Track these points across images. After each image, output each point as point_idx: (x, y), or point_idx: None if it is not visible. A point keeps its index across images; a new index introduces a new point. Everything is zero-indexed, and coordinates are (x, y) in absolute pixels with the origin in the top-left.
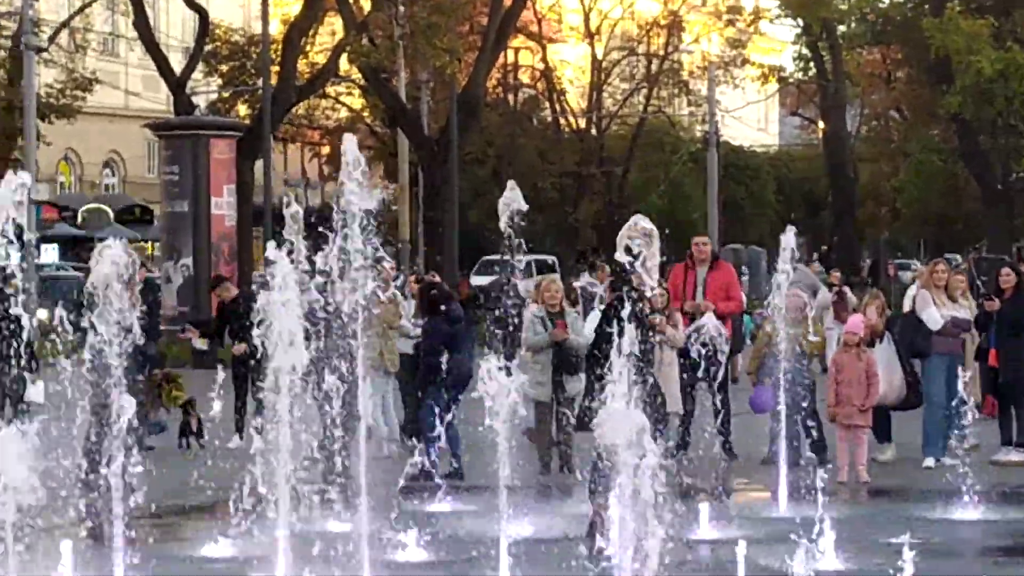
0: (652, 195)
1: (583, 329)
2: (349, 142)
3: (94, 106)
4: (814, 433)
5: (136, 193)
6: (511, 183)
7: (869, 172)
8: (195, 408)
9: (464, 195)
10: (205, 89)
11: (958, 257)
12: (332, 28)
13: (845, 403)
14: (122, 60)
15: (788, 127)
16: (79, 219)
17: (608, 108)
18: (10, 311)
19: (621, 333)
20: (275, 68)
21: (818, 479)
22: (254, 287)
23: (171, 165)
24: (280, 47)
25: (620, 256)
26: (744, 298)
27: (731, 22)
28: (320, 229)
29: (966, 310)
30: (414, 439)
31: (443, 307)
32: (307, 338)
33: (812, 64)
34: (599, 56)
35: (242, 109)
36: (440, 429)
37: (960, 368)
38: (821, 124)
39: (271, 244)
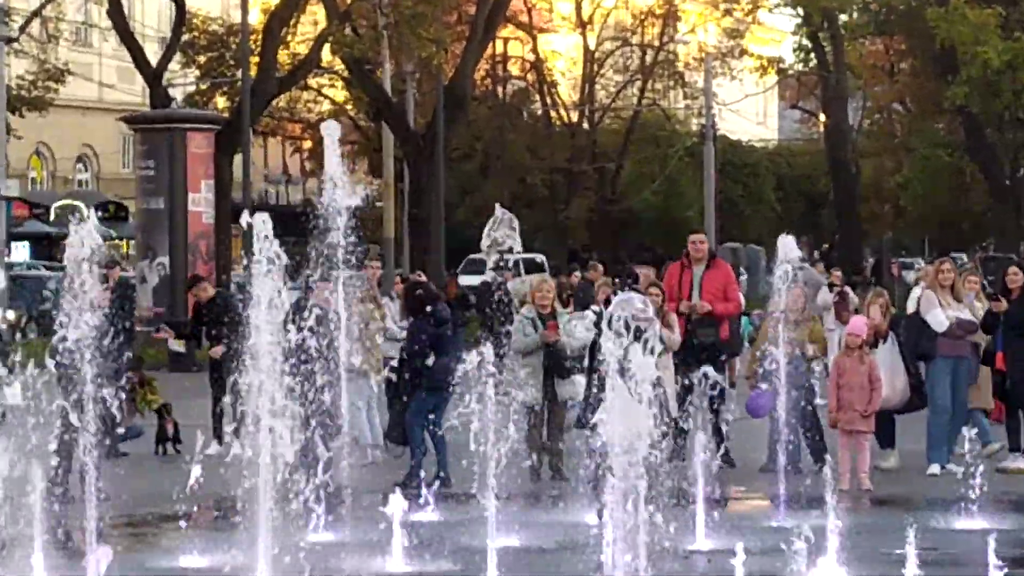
0: (646, 191)
1: (575, 331)
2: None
3: (67, 98)
4: (815, 438)
5: (110, 189)
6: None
7: (872, 167)
8: (171, 412)
9: (451, 191)
10: (182, 81)
11: (963, 256)
12: (314, 17)
13: (847, 408)
14: (96, 51)
15: (788, 121)
16: (51, 216)
17: (601, 101)
18: None
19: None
20: (255, 59)
21: (824, 487)
22: (234, 286)
23: (146, 160)
24: (260, 37)
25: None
26: (742, 299)
27: (728, 11)
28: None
29: (977, 312)
30: (399, 445)
31: (429, 308)
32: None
33: (812, 55)
34: (591, 47)
35: (220, 102)
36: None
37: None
38: (822, 117)
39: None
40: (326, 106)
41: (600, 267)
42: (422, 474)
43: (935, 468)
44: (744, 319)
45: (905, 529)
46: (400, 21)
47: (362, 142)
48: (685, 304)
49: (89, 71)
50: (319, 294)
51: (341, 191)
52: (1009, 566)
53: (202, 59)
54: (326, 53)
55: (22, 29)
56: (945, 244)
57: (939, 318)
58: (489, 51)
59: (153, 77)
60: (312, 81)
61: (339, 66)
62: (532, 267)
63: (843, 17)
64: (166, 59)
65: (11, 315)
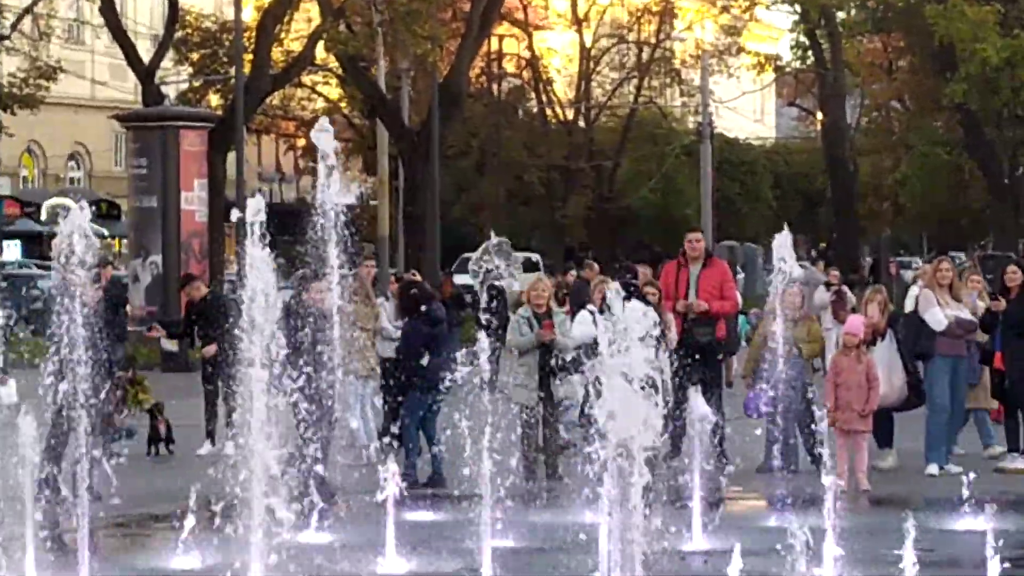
0: (643, 189)
1: (571, 330)
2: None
3: (58, 96)
4: (813, 437)
5: (103, 187)
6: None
7: (870, 165)
8: (163, 412)
9: (446, 189)
10: (175, 78)
11: (962, 255)
12: (308, 15)
13: (844, 408)
14: (88, 48)
15: (785, 118)
16: (43, 215)
17: (597, 98)
18: None
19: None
20: (248, 56)
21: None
22: (227, 285)
23: (139, 158)
24: (254, 34)
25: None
26: (739, 298)
27: (726, 8)
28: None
29: (980, 311)
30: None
31: (424, 307)
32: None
33: (810, 52)
34: (588, 44)
35: (214, 99)
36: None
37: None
38: (819, 115)
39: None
40: (320, 104)
41: (596, 266)
42: (416, 474)
43: (933, 468)
44: (741, 318)
45: (903, 529)
46: (395, 18)
47: (356, 140)
48: (682, 303)
49: (81, 68)
50: (313, 294)
51: (335, 190)
52: (1008, 567)
53: (195, 56)
54: (320, 50)
55: (14, 26)
56: (944, 242)
57: (937, 317)
58: (484, 48)
59: (146, 74)
60: (306, 78)
61: (333, 63)
62: (528, 266)
63: (841, 14)
64: (159, 56)
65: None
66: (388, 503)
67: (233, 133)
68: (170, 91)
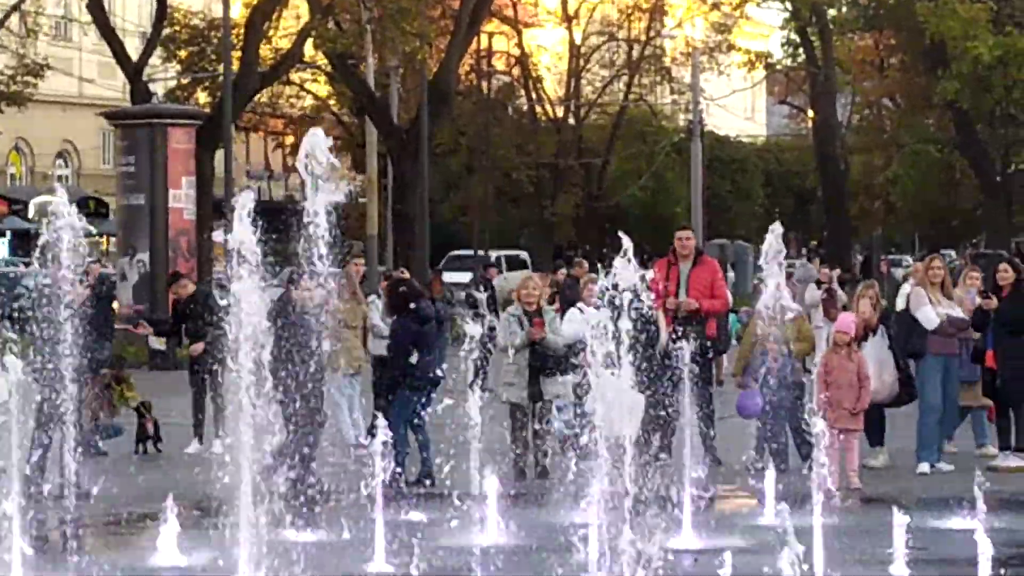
0: (633, 187)
1: (561, 328)
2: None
3: (46, 93)
4: (803, 436)
5: (90, 185)
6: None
7: (861, 164)
8: (151, 411)
9: (435, 188)
10: (163, 76)
11: (952, 253)
12: (297, 12)
13: (835, 406)
14: (76, 45)
15: (776, 116)
16: (30, 212)
17: (587, 96)
18: None
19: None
20: (237, 53)
21: (812, 486)
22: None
23: (127, 156)
24: (242, 31)
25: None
26: (729, 296)
27: (716, 6)
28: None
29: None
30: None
31: (412, 305)
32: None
33: (801, 50)
34: (577, 41)
35: (202, 97)
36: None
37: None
38: (810, 113)
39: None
40: (309, 101)
41: (586, 264)
42: (405, 472)
43: (925, 467)
44: (732, 316)
45: (895, 528)
46: (384, 16)
47: (345, 138)
48: (672, 301)
49: (69, 66)
50: (301, 291)
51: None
52: (1000, 565)
53: (183, 54)
54: (309, 48)
55: (1, 23)
56: (935, 241)
57: (929, 315)
58: (474, 46)
59: (134, 72)
60: (295, 76)
61: (322, 61)
62: (515, 263)
63: (832, 12)
64: (147, 54)
65: None
66: (377, 501)
67: (221, 131)
68: (158, 88)
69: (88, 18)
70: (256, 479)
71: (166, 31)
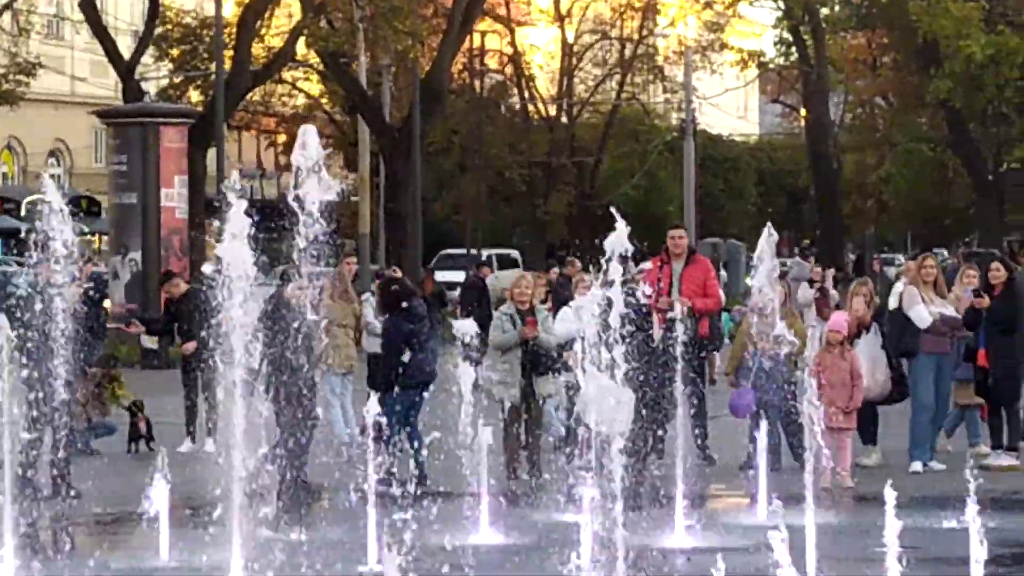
0: (626, 186)
1: (554, 327)
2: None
3: (38, 92)
4: (796, 435)
5: (83, 184)
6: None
7: (854, 162)
8: (143, 410)
9: (428, 186)
10: (155, 74)
11: (944, 252)
12: (289, 10)
13: (828, 405)
14: (68, 44)
15: (769, 115)
16: (23, 211)
17: (579, 95)
18: None
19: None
20: (229, 52)
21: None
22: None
23: (119, 154)
24: (234, 30)
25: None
26: (722, 295)
27: (708, 5)
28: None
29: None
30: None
31: (405, 304)
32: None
33: (793, 49)
34: (570, 40)
35: (194, 95)
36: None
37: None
38: (803, 112)
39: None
40: (301, 100)
41: (578, 263)
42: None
43: (917, 466)
44: (724, 315)
45: (887, 527)
46: (376, 14)
47: (337, 136)
48: (664, 300)
49: (61, 64)
50: (293, 290)
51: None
52: (992, 564)
53: (175, 52)
54: (301, 46)
55: None
56: (928, 239)
57: (922, 314)
58: (466, 44)
59: (126, 71)
60: (287, 75)
61: (314, 59)
62: (506, 262)
63: (824, 11)
64: (139, 52)
65: None
66: (369, 500)
67: (213, 129)
68: (150, 87)
69: (80, 17)
70: (248, 478)
71: (158, 30)
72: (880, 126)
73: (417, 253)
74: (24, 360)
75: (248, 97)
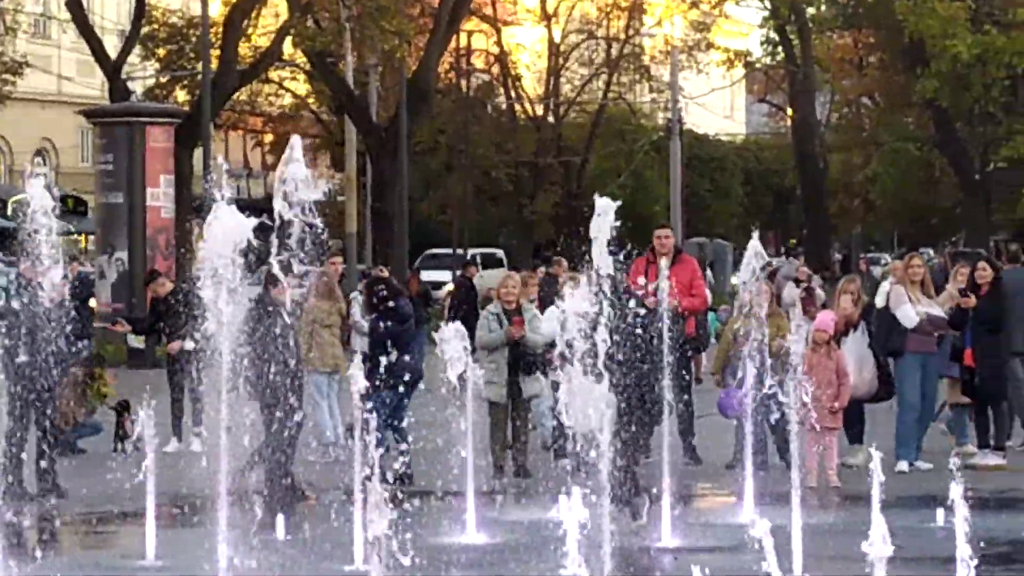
0: (612, 186)
1: (540, 327)
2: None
3: (25, 91)
4: (782, 434)
5: (69, 183)
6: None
7: (840, 162)
8: (130, 410)
9: (415, 186)
10: (142, 74)
11: (930, 251)
12: (275, 10)
13: (814, 404)
14: (54, 43)
15: (755, 115)
16: (8, 211)
17: (566, 94)
18: None
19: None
20: (215, 52)
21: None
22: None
23: (105, 154)
24: (221, 29)
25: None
26: (708, 294)
27: (695, 4)
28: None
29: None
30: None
31: (391, 304)
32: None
33: (780, 48)
34: (556, 40)
35: (181, 95)
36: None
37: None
38: (789, 111)
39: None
40: (288, 99)
41: (564, 262)
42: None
43: (903, 465)
44: (711, 315)
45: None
46: (363, 14)
47: (324, 136)
48: (650, 300)
49: (48, 64)
50: (278, 291)
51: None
52: (978, 563)
53: (162, 52)
54: (288, 46)
55: None
56: (915, 239)
57: (909, 314)
58: (453, 44)
59: (112, 70)
60: (274, 74)
61: (301, 59)
62: (491, 262)
63: (811, 10)
64: (125, 52)
65: None
66: (356, 500)
67: (200, 129)
68: (137, 87)
69: (67, 16)
70: (234, 477)
71: (145, 29)
72: (866, 126)
73: (404, 252)
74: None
75: (235, 97)
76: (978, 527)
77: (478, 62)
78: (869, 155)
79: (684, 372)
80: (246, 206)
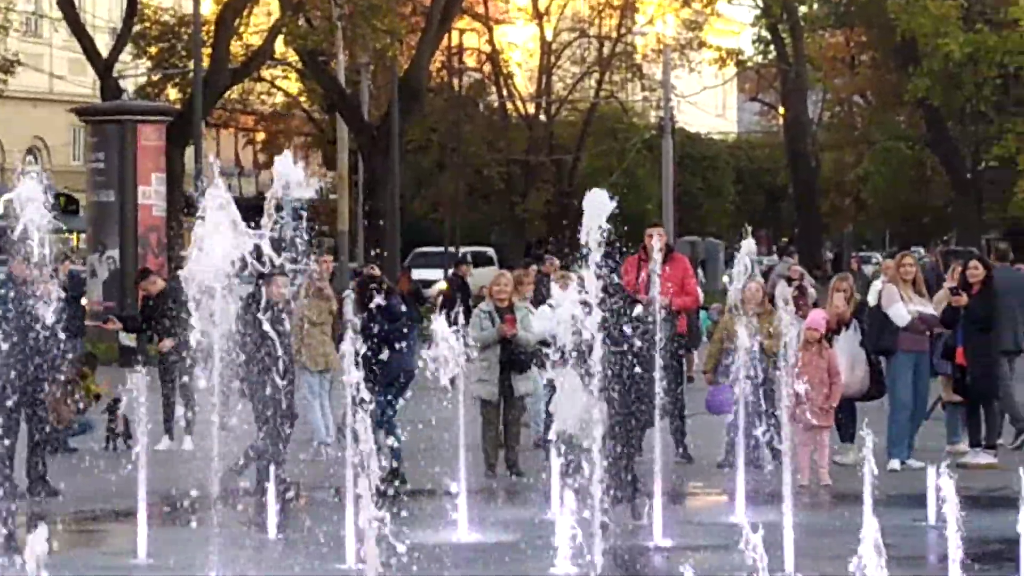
0: (604, 184)
1: (533, 325)
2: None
3: (16, 90)
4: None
5: (61, 182)
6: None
7: (832, 161)
8: (120, 405)
9: (406, 184)
10: (133, 72)
11: (921, 250)
12: (267, 8)
13: (806, 402)
14: (46, 41)
15: (747, 113)
16: (0, 209)
17: (558, 93)
18: None
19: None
20: (207, 50)
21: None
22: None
23: (97, 152)
24: (213, 28)
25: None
26: (700, 293)
27: (687, 3)
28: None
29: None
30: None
31: (382, 302)
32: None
33: (772, 47)
34: (548, 38)
35: (172, 93)
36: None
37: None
38: (781, 110)
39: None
40: (279, 98)
41: (556, 261)
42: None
43: (895, 464)
44: (703, 313)
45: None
46: (354, 12)
47: (316, 134)
48: (643, 299)
49: (39, 62)
50: (273, 288)
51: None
52: (969, 562)
53: (153, 50)
54: (279, 44)
55: None
56: (906, 238)
57: (900, 312)
58: (445, 42)
59: (104, 68)
60: (265, 73)
61: (293, 58)
62: (482, 260)
63: (803, 8)
64: (117, 50)
65: None
66: (347, 499)
67: (191, 127)
68: (128, 85)
69: (59, 14)
70: (226, 477)
71: (136, 27)
72: (858, 124)
73: (396, 250)
74: None
75: (226, 95)
76: (969, 526)
77: (470, 60)
78: (861, 154)
79: (676, 367)
80: (238, 204)
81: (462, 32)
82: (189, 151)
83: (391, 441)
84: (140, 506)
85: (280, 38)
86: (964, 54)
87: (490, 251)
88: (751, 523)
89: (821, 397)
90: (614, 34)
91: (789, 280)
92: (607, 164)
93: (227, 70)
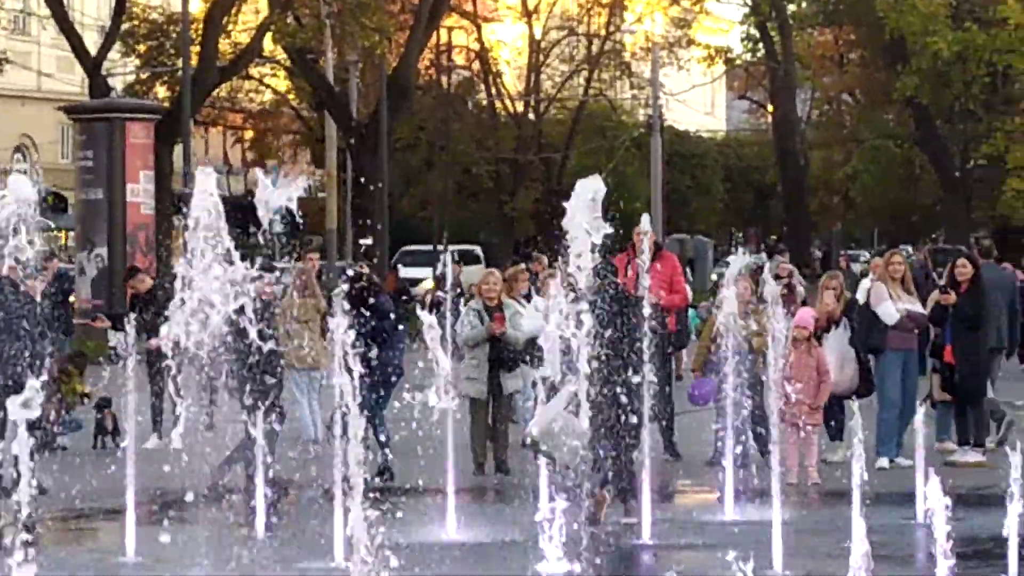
0: None
1: (522, 323)
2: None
3: (4, 88)
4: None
5: (49, 180)
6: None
7: (821, 159)
8: (111, 405)
9: (395, 182)
10: (122, 70)
11: (910, 248)
12: (255, 6)
13: (794, 401)
14: (34, 39)
15: (736, 111)
16: None
17: (547, 91)
18: None
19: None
20: (196, 48)
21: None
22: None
23: (85, 150)
24: (201, 26)
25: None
26: (689, 291)
27: (675, 1)
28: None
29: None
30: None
31: (370, 300)
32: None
33: (761, 45)
34: (537, 36)
35: (161, 91)
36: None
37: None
38: (770, 108)
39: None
40: (268, 96)
41: (544, 259)
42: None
43: (884, 462)
44: (691, 311)
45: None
46: (343, 10)
47: (304, 132)
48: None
49: (27, 60)
50: (261, 286)
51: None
52: (957, 560)
53: (142, 48)
54: (268, 42)
55: None
56: (895, 236)
57: (889, 311)
58: (433, 40)
59: (92, 66)
60: (254, 71)
61: (281, 55)
62: (469, 259)
63: (791, 7)
64: (105, 48)
65: None
66: (336, 497)
67: (180, 125)
68: (117, 83)
69: (47, 12)
70: (214, 474)
71: (125, 25)
72: (847, 122)
73: (384, 249)
74: None
75: (215, 93)
76: (957, 524)
77: (458, 58)
78: (849, 152)
79: (664, 364)
80: (226, 202)
81: (450, 30)
82: (178, 149)
83: (381, 438)
84: (128, 504)
85: (268, 36)
86: (953, 52)
87: (477, 249)
88: (739, 521)
89: (810, 395)
90: (603, 32)
91: (777, 278)
92: (596, 162)
93: (215, 68)
